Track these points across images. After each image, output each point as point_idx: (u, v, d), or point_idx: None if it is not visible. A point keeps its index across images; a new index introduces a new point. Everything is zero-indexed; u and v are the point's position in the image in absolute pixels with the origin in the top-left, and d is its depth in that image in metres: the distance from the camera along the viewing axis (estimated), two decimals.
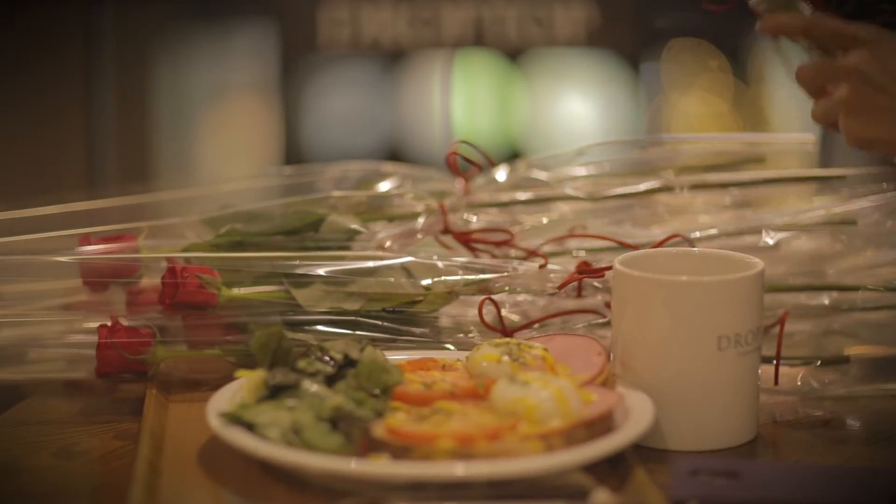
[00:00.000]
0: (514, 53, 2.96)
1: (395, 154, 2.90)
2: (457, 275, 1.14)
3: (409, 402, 0.95)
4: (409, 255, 1.14)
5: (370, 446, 0.90)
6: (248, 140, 3.02)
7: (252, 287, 1.12)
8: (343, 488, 0.89)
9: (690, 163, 1.28)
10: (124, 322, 1.10)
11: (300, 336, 1.08)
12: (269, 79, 2.96)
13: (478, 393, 0.97)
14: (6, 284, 1.13)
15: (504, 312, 1.14)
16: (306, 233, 1.18)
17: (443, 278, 1.13)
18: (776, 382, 1.10)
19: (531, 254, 1.20)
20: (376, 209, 1.22)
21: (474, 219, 1.22)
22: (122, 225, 1.19)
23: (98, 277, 1.14)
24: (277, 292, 1.12)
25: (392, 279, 1.12)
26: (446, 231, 1.22)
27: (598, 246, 1.21)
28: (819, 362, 1.15)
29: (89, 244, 1.15)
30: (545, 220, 1.23)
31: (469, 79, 3.03)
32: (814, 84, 1.04)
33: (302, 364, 0.98)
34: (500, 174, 1.25)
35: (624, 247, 1.18)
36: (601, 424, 0.93)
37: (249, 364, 1.01)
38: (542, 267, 1.14)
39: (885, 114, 0.99)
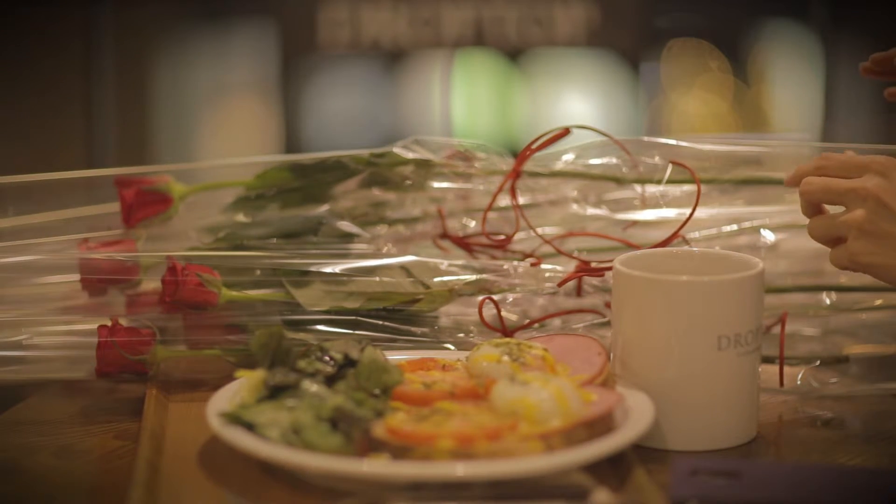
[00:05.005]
0: (514, 53, 2.96)
1: None
2: (456, 274, 1.14)
3: (409, 402, 0.95)
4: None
5: (370, 446, 0.90)
6: (248, 140, 3.02)
7: (252, 288, 1.13)
8: (343, 488, 0.88)
9: (689, 164, 1.28)
10: (124, 322, 1.10)
11: (300, 336, 1.08)
12: (269, 79, 2.96)
13: (478, 393, 0.97)
14: (6, 287, 1.13)
15: (504, 312, 1.14)
16: (305, 236, 1.18)
17: (443, 278, 1.13)
18: (781, 384, 1.10)
19: (529, 256, 1.20)
20: (375, 213, 1.22)
21: (472, 223, 1.22)
22: (121, 231, 1.19)
23: (97, 281, 1.13)
24: (277, 293, 1.12)
25: (392, 278, 1.12)
26: (445, 235, 1.22)
27: (597, 246, 1.21)
28: (819, 362, 1.15)
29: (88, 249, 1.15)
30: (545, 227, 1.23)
31: (469, 79, 3.02)
32: (819, 200, 1.02)
33: (302, 364, 0.97)
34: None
35: (626, 246, 1.18)
36: (601, 424, 0.93)
37: (249, 364, 1.01)
38: (534, 265, 1.14)
39: (894, 241, 0.99)
